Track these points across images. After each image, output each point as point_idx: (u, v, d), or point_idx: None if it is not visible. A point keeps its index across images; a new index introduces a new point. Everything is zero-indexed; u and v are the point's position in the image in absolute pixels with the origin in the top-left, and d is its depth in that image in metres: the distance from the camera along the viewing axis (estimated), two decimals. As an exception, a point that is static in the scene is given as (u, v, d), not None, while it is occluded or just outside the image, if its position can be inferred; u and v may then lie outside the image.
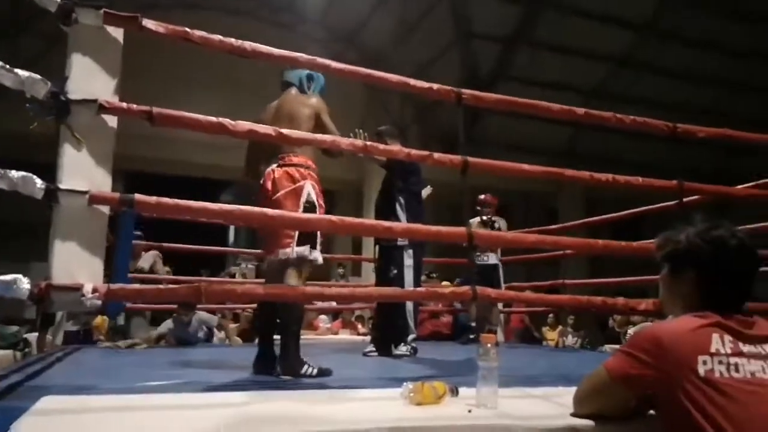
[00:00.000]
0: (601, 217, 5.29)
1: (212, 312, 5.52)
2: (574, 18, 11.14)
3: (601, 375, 1.40)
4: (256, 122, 2.77)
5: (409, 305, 3.96)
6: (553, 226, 6.33)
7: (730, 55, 12.07)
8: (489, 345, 1.66)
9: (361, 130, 3.53)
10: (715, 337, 1.30)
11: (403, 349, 3.86)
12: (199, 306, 5.11)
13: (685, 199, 3.27)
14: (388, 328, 4.02)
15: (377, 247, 4.23)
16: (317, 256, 2.73)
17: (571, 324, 8.52)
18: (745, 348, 1.30)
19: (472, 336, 5.27)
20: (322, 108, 2.97)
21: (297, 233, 2.67)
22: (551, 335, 8.40)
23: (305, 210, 2.68)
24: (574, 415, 1.49)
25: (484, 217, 5.67)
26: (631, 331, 6.25)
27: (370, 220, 3.60)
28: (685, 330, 1.32)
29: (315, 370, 2.56)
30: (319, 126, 2.88)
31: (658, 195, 4.11)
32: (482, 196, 5.73)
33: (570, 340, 8.02)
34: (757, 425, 1.21)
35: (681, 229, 1.48)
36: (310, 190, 2.74)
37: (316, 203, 2.74)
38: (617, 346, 5.76)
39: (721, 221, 1.45)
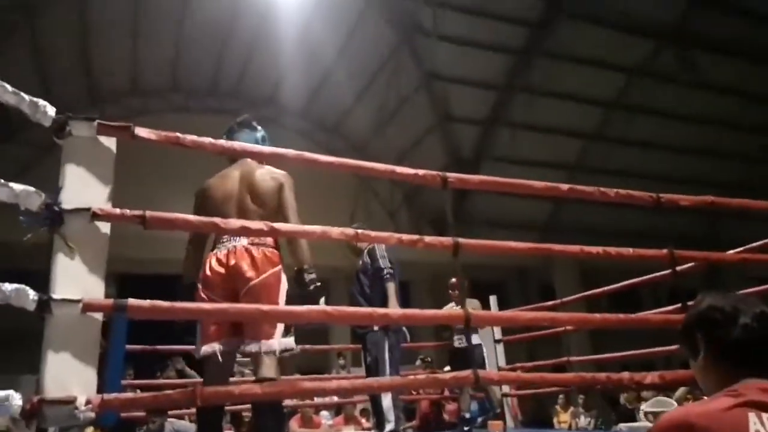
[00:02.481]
0: (597, 290, 5.26)
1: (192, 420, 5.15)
2: (544, 99, 11.66)
3: None
4: (207, 190, 2.66)
5: (387, 395, 3.72)
6: (550, 303, 6.27)
7: (697, 123, 12.59)
8: (497, 433, 1.61)
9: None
10: (752, 417, 1.19)
11: None
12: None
13: (678, 268, 3.28)
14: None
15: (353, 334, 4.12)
16: (294, 345, 2.55)
17: (581, 404, 8.27)
18: None
19: (478, 423, 5.10)
20: (289, 182, 2.68)
21: (282, 324, 2.49)
22: (563, 417, 8.14)
23: (286, 295, 2.54)
24: None
25: (457, 299, 5.62)
26: (643, 407, 6.07)
27: (365, 309, 3.56)
28: (717, 411, 1.21)
29: None
30: (279, 203, 2.62)
31: (653, 264, 4.12)
32: (453, 280, 5.72)
33: (583, 421, 7.77)
34: None
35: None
36: (284, 275, 2.58)
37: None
38: (633, 424, 5.60)
39: (730, 293, 1.41)
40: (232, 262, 2.50)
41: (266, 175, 2.69)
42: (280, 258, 2.60)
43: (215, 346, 2.47)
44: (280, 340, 2.46)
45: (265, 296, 2.46)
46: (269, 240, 2.58)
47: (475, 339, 5.58)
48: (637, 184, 3.31)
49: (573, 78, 11.47)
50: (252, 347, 2.45)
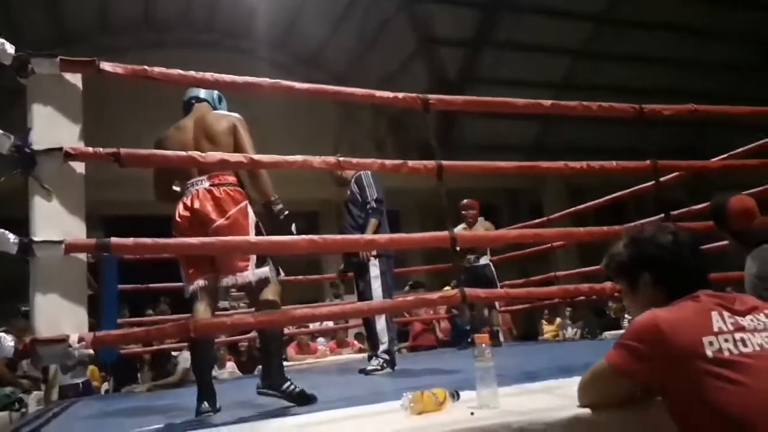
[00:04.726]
0: (582, 206, 5.33)
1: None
2: (531, 16, 11.32)
3: (604, 367, 1.38)
4: (164, 140, 2.69)
5: (380, 318, 3.77)
6: (538, 220, 6.35)
7: (684, 35, 12.34)
8: (483, 345, 1.66)
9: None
10: (715, 315, 1.28)
11: (374, 363, 3.71)
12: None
13: (661, 179, 3.31)
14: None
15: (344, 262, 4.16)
16: (274, 272, 2.62)
17: (568, 316, 8.53)
18: (744, 322, 1.27)
19: (470, 340, 5.26)
20: (242, 123, 2.71)
21: (254, 256, 2.55)
22: (549, 328, 8.41)
23: (256, 229, 2.59)
24: (579, 405, 1.47)
25: (470, 220, 5.70)
26: (628, 315, 6.27)
27: (351, 236, 3.58)
28: (683, 313, 1.30)
29: (297, 389, 2.42)
30: (236, 142, 2.66)
31: (638, 178, 4.13)
32: (464, 202, 5.74)
33: (570, 332, 8.04)
34: None
35: (616, 244, 1.54)
36: (251, 210, 2.63)
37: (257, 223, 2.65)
38: (617, 332, 5.81)
39: (646, 222, 1.51)
40: (196, 205, 2.55)
41: (219, 117, 2.74)
42: (244, 195, 2.63)
43: (200, 283, 2.55)
44: (254, 272, 2.53)
45: (233, 234, 2.49)
46: (231, 179, 2.61)
47: (484, 259, 5.69)
48: (625, 99, 3.25)
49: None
50: (228, 281, 2.54)
